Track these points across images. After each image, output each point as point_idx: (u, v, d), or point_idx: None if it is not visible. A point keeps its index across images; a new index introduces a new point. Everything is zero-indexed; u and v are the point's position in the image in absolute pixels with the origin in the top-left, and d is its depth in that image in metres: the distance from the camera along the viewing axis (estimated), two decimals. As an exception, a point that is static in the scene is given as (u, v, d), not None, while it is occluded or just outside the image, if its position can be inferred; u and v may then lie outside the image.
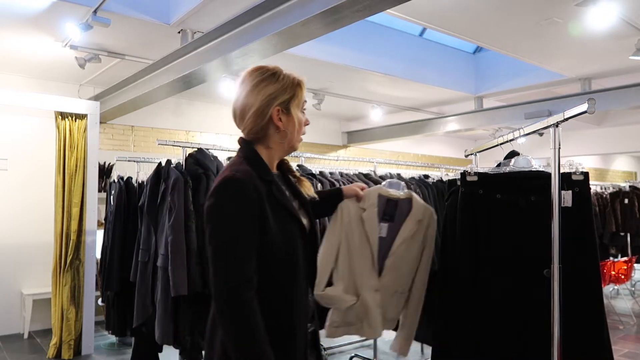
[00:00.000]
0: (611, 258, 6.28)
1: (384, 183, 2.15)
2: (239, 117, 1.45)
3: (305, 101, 1.50)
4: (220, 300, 1.28)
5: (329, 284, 2.06)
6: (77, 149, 4.44)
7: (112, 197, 4.35)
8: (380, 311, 2.08)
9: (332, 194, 2.03)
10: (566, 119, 1.81)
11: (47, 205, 4.63)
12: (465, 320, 2.06)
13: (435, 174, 4.39)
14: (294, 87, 1.45)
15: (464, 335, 2.06)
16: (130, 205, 4.11)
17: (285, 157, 1.53)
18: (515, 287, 2.02)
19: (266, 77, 1.43)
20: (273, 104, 1.41)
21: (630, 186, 6.68)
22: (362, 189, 2.03)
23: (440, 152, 10.17)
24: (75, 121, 4.49)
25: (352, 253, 2.06)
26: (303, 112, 1.49)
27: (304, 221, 1.45)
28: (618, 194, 6.60)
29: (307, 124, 1.51)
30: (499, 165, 2.32)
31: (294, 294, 1.39)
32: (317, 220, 3.33)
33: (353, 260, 2.06)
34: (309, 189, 1.54)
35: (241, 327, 1.25)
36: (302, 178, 1.56)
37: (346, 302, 2.03)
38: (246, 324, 1.25)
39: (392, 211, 2.08)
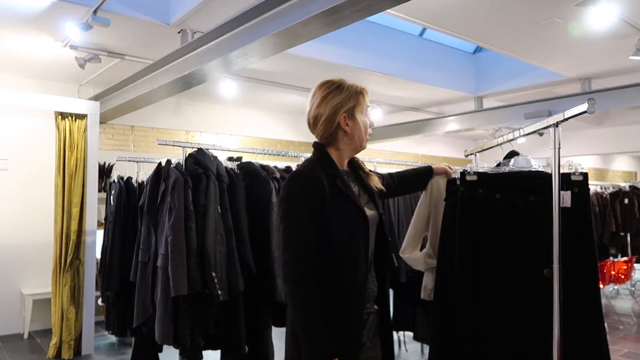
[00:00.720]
0: (611, 258, 6.28)
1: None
2: (312, 125, 1.68)
3: (369, 106, 1.69)
4: (284, 272, 1.53)
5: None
6: (77, 149, 4.44)
7: (112, 197, 4.35)
8: None
9: (424, 171, 2.24)
10: (566, 119, 1.81)
11: (47, 205, 4.64)
12: (464, 320, 2.06)
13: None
14: (357, 95, 1.65)
15: (463, 336, 2.06)
16: (130, 205, 4.11)
17: (356, 156, 1.76)
18: (515, 287, 2.02)
19: (332, 89, 1.64)
20: (340, 112, 1.63)
21: (630, 186, 6.68)
22: (450, 168, 2.24)
23: (440, 152, 10.17)
24: (75, 121, 4.49)
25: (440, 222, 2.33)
26: (367, 116, 1.69)
27: (369, 212, 1.64)
28: (618, 194, 6.61)
29: (372, 126, 1.72)
30: (498, 165, 2.32)
31: (351, 276, 1.56)
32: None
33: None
34: (377, 183, 1.76)
35: (297, 297, 1.50)
36: (371, 173, 1.78)
37: (427, 264, 2.29)
38: (302, 295, 1.49)
39: None
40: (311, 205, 1.54)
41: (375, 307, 1.68)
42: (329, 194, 1.57)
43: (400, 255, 2.38)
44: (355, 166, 1.76)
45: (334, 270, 1.55)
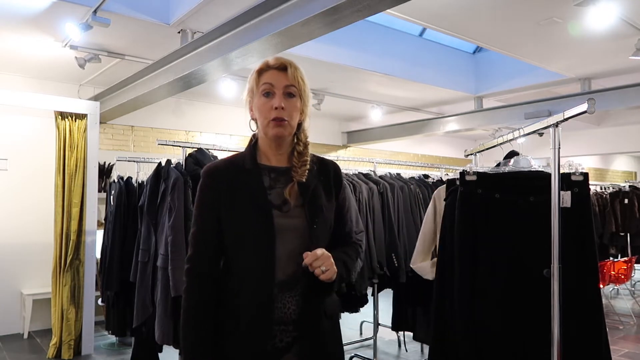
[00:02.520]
0: (611, 258, 6.28)
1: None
2: None
3: (267, 83, 1.41)
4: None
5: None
6: (77, 149, 4.44)
7: (112, 197, 4.34)
8: None
9: None
10: (566, 119, 1.81)
11: (47, 205, 4.63)
12: (464, 320, 2.06)
13: (435, 174, 4.40)
14: (252, 74, 1.47)
15: (462, 336, 2.06)
16: (130, 205, 4.10)
17: (302, 149, 1.45)
18: (515, 287, 2.03)
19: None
20: (248, 99, 1.49)
21: (630, 186, 6.68)
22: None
23: (440, 152, 10.17)
24: (75, 121, 4.49)
25: None
26: (266, 96, 1.41)
27: (285, 220, 1.38)
28: (618, 194, 6.60)
29: (276, 107, 1.38)
30: (498, 165, 2.32)
31: (246, 290, 1.38)
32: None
33: None
34: (299, 175, 1.41)
35: (184, 297, 1.43)
36: (300, 165, 1.43)
37: (435, 274, 2.32)
38: (185, 291, 1.43)
39: None
40: (204, 202, 1.43)
41: (297, 332, 1.39)
42: (231, 191, 1.40)
43: (411, 265, 2.42)
44: (298, 164, 1.44)
45: (230, 279, 1.41)
